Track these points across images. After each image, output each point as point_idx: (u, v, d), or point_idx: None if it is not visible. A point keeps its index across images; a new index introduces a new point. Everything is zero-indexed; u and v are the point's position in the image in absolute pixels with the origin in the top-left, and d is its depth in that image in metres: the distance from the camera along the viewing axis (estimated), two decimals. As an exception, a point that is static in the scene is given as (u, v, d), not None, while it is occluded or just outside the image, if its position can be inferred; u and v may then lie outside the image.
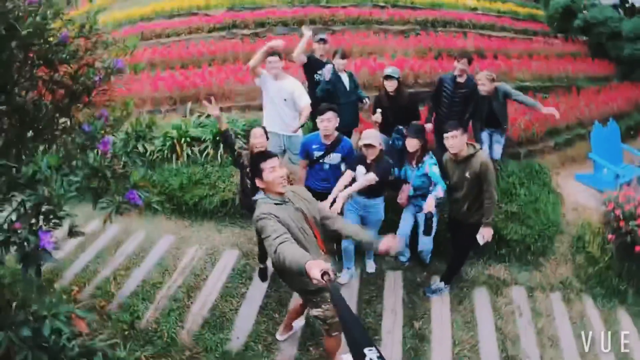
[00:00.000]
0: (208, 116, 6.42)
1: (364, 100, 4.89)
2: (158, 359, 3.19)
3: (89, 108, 2.50)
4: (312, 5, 10.74)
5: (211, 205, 5.05)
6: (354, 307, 3.84)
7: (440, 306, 3.96)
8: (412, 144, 3.73)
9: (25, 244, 1.74)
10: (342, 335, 2.91)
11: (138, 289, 4.01)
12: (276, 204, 2.43)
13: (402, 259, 4.40)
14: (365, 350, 1.08)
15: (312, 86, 4.76)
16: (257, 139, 3.51)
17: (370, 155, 3.55)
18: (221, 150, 5.56)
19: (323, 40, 4.85)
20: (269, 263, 4.18)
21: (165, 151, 5.62)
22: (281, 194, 2.49)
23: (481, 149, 3.73)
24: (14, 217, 1.90)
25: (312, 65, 4.79)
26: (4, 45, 1.99)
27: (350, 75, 4.82)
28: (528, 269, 4.42)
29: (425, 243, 4.05)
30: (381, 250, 2.61)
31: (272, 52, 4.27)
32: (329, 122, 3.65)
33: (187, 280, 4.13)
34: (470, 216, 3.66)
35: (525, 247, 4.51)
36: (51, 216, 1.90)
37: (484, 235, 3.55)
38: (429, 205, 3.45)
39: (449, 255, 4.21)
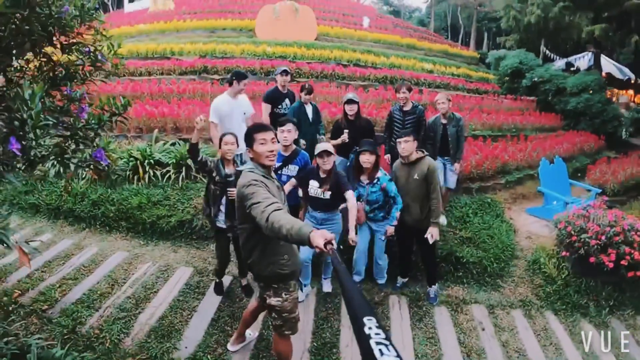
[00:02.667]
0: (173, 144, 6.37)
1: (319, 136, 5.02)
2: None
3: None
4: (279, 59, 11.25)
5: (168, 225, 4.86)
6: (310, 324, 3.63)
7: (399, 323, 3.80)
8: (369, 159, 3.73)
9: None
10: (292, 343, 2.72)
11: (84, 297, 3.74)
12: (263, 176, 2.33)
13: (357, 278, 4.26)
14: (365, 319, 1.02)
15: (274, 117, 4.86)
16: (228, 146, 3.52)
17: (327, 165, 3.49)
18: (183, 174, 5.49)
19: (285, 72, 5.06)
20: (224, 279, 3.99)
21: (128, 172, 5.47)
22: (268, 168, 2.41)
23: (428, 155, 3.90)
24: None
25: (274, 98, 5.00)
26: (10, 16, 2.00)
27: (314, 107, 5.03)
28: (487, 290, 4.38)
29: (383, 259, 4.11)
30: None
31: (242, 75, 4.48)
32: (288, 132, 3.68)
33: (137, 292, 3.84)
34: (424, 220, 3.82)
35: (482, 269, 4.52)
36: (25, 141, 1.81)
37: (433, 234, 3.75)
38: (391, 231, 3.81)
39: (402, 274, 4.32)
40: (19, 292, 3.69)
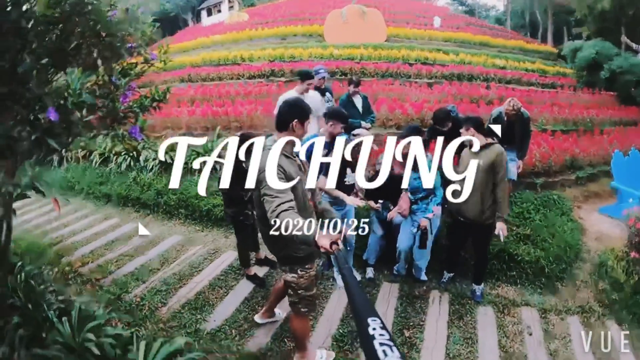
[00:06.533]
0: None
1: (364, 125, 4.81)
2: (132, 327, 3.08)
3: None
4: (346, 61, 11.18)
5: (222, 213, 5.03)
6: (340, 311, 3.48)
7: (436, 319, 3.49)
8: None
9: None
10: (310, 323, 2.65)
11: (135, 271, 4.05)
12: (286, 156, 2.25)
13: (400, 271, 4.03)
14: (369, 320, 1.02)
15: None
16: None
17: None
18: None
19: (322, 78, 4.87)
20: (254, 269, 3.94)
21: (189, 164, 5.79)
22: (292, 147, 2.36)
23: (498, 143, 3.49)
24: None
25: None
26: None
27: (364, 98, 4.96)
28: (542, 292, 3.87)
29: (420, 255, 3.77)
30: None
31: (305, 75, 4.38)
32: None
33: (183, 269, 4.06)
34: (483, 214, 3.38)
35: (539, 270, 4.00)
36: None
37: (502, 230, 3.31)
38: (424, 223, 3.54)
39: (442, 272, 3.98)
40: (80, 264, 4.10)
